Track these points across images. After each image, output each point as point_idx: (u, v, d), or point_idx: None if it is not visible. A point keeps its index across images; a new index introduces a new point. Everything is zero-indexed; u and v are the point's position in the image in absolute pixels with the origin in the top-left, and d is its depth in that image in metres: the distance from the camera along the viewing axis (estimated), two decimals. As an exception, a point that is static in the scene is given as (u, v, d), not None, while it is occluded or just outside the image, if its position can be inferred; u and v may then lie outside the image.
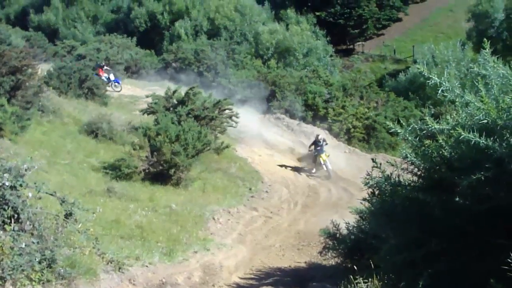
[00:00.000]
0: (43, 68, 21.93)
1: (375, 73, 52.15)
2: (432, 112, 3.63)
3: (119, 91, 30.62)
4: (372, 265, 5.25)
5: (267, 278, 9.69)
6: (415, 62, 43.88)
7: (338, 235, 9.04)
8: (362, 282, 6.87)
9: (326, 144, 22.14)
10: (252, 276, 9.95)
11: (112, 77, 30.77)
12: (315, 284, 8.80)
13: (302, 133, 27.71)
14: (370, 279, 6.55)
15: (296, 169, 21.70)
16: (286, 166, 21.76)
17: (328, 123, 29.68)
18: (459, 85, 3.49)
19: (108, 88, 29.18)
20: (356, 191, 16.27)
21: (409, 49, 54.27)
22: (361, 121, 30.01)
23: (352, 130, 29.31)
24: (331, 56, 49.43)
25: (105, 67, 31.14)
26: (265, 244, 12.76)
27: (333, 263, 9.51)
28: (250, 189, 17.68)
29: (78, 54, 35.68)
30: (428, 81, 3.32)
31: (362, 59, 56.66)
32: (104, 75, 30.30)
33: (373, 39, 60.13)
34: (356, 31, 58.00)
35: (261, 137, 24.91)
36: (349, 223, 8.72)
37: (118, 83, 31.09)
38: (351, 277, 7.00)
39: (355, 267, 7.57)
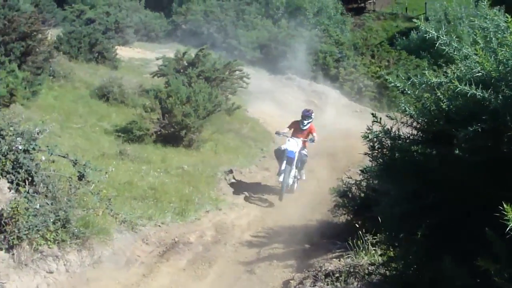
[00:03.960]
0: (52, 33, 21.90)
1: (386, 31, 51.50)
2: (444, 70, 3.66)
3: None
4: (380, 220, 5.33)
5: (279, 236, 9.83)
6: (427, 19, 43.18)
7: (348, 193, 9.15)
8: (370, 238, 7.01)
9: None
10: (264, 234, 10.09)
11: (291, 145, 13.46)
12: (325, 241, 8.94)
13: (313, 93, 27.65)
14: (378, 235, 6.68)
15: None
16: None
17: (339, 82, 29.56)
18: (471, 42, 3.52)
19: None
20: (368, 150, 16.26)
21: (421, 7, 53.36)
22: (373, 80, 29.86)
23: (363, 89, 29.19)
24: (342, 14, 48.77)
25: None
26: (277, 203, 12.88)
27: (343, 221, 9.63)
28: (262, 149, 17.76)
29: (88, 18, 35.50)
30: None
31: (374, 17, 55.83)
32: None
33: (384, -3, 59.15)
34: (367, -12, 57.06)
35: (272, 97, 24.88)
36: (358, 181, 8.81)
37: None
38: (360, 233, 7.14)
39: (364, 224, 7.71)
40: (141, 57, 30.60)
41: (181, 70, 20.35)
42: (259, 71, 28.87)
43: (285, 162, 12.78)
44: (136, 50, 33.78)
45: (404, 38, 44.47)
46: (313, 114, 13.79)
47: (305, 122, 13.44)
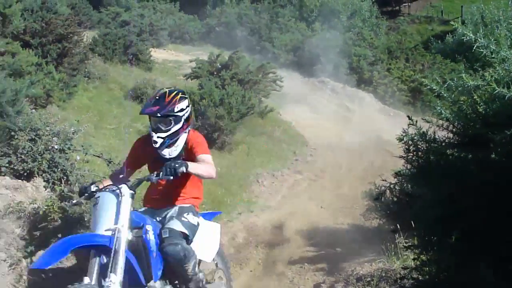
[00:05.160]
0: (88, 35, 22.19)
1: (421, 35, 51.05)
2: (481, 73, 3.62)
3: None
4: (413, 224, 5.28)
5: (310, 239, 9.80)
6: (463, 23, 42.57)
7: (380, 197, 9.06)
8: (403, 242, 6.94)
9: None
10: (295, 237, 10.06)
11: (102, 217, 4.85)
12: (357, 245, 8.88)
13: (346, 97, 27.51)
14: (410, 239, 6.61)
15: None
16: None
17: (373, 86, 29.37)
18: (509, 45, 3.46)
19: None
20: (401, 154, 16.10)
21: (457, 10, 52.72)
22: (407, 84, 29.62)
23: (397, 93, 28.96)
24: (376, 17, 48.51)
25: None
26: (308, 207, 12.82)
27: (376, 225, 9.57)
28: (294, 152, 17.73)
29: (123, 20, 35.92)
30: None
31: (408, 21, 55.44)
32: None
33: (419, 0, 58.62)
34: (402, -9, 56.67)
35: (305, 100, 24.82)
36: (392, 184, 8.72)
37: None
38: (392, 237, 7.08)
39: (396, 228, 7.64)
40: (174, 59, 30.84)
41: (215, 73, 20.43)
42: (292, 74, 28.83)
43: (94, 272, 4.36)
44: (170, 52, 34.07)
45: (439, 41, 44.03)
46: (181, 104, 5.64)
47: (164, 133, 5.66)
